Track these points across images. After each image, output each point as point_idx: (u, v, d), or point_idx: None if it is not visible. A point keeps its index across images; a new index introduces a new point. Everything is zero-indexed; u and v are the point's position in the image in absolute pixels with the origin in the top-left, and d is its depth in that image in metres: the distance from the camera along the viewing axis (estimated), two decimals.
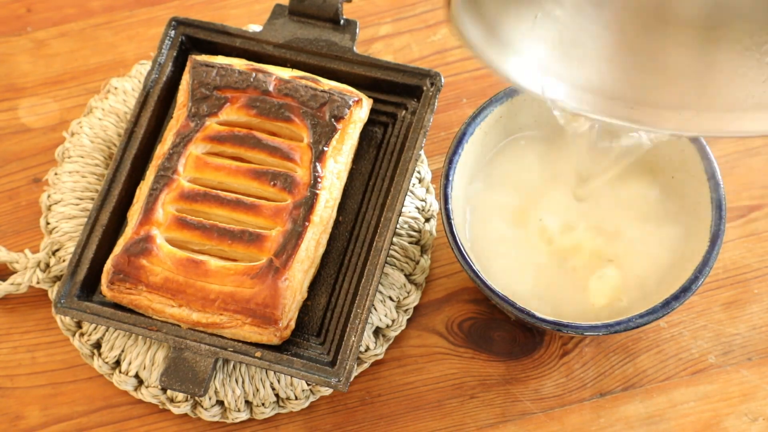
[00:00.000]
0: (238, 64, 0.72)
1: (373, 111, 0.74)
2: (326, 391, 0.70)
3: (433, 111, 0.71)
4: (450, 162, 0.67)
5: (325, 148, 0.69)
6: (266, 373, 0.69)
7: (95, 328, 0.71)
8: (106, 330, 0.71)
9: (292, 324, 0.67)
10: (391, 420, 0.70)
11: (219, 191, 0.69)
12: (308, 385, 0.69)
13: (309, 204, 0.68)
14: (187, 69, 0.72)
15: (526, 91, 0.54)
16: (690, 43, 0.51)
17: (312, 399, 0.70)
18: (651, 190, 0.70)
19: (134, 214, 0.69)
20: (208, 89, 0.71)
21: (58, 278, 0.72)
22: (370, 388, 0.71)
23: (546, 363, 0.71)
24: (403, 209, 0.73)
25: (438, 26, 0.83)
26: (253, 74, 0.71)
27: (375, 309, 0.71)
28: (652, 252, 0.68)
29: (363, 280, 0.67)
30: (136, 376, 0.70)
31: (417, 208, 0.74)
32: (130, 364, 0.70)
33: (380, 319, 0.71)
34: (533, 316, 0.62)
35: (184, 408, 0.69)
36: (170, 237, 0.68)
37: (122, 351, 0.70)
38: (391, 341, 0.72)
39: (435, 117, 0.79)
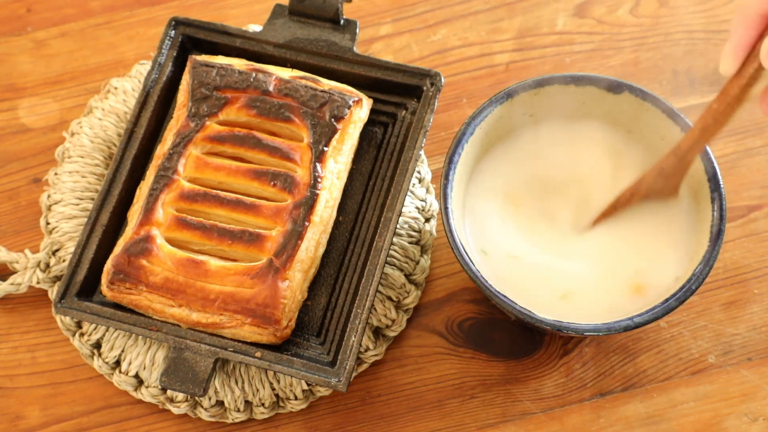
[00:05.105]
0: (238, 64, 0.72)
1: (373, 111, 0.74)
2: (326, 391, 0.70)
3: (433, 111, 0.71)
4: (450, 162, 0.66)
5: (325, 148, 0.69)
6: (266, 373, 0.69)
7: (95, 328, 0.71)
8: (106, 330, 0.71)
9: (292, 324, 0.67)
10: (391, 420, 0.70)
11: (219, 191, 0.69)
12: (308, 385, 0.69)
13: (309, 204, 0.68)
14: (187, 69, 0.72)
15: None
16: None
17: (312, 399, 0.70)
18: None
19: (134, 214, 0.69)
20: (208, 89, 0.71)
21: (58, 278, 0.72)
22: (370, 388, 0.71)
23: (546, 363, 0.71)
24: (403, 209, 0.73)
25: (438, 26, 0.83)
26: (253, 74, 0.71)
27: (375, 309, 0.71)
28: (652, 252, 0.68)
29: (363, 280, 0.67)
30: (136, 376, 0.70)
31: (417, 208, 0.74)
32: (130, 364, 0.70)
33: (380, 319, 0.71)
34: (533, 316, 0.62)
35: (184, 408, 0.69)
36: (170, 237, 0.68)
37: (122, 351, 0.70)
38: (391, 341, 0.71)
39: (435, 117, 0.79)
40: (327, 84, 0.72)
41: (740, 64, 0.56)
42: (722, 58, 0.56)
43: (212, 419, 0.69)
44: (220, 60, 0.73)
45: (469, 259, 0.64)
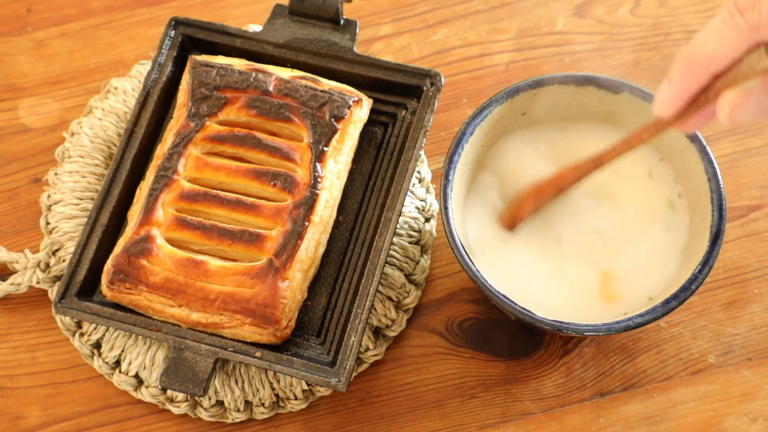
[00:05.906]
0: (238, 64, 0.72)
1: (373, 111, 0.74)
2: (326, 391, 0.70)
3: (433, 111, 0.71)
4: (450, 162, 0.67)
5: (325, 148, 0.69)
6: (266, 373, 0.69)
7: (95, 328, 0.71)
8: (106, 330, 0.71)
9: (292, 324, 0.67)
10: (391, 420, 0.70)
11: (219, 191, 0.69)
12: (308, 385, 0.69)
13: (309, 204, 0.68)
14: (187, 69, 0.73)
15: None
16: None
17: (312, 399, 0.70)
18: (651, 190, 0.70)
19: (134, 214, 0.69)
20: (208, 89, 0.71)
21: (58, 278, 0.72)
22: (370, 388, 0.71)
23: (546, 363, 0.71)
24: (403, 209, 0.73)
25: (438, 26, 0.83)
26: (253, 74, 0.71)
27: (375, 309, 0.71)
28: (652, 252, 0.68)
29: (363, 280, 0.67)
30: (136, 376, 0.70)
31: (417, 208, 0.74)
32: (130, 364, 0.70)
33: (380, 319, 0.71)
34: (533, 316, 0.62)
35: (184, 408, 0.69)
36: (170, 237, 0.68)
37: (122, 351, 0.70)
38: (391, 341, 0.72)
39: (435, 117, 0.79)
40: (327, 84, 0.72)
41: (678, 112, 0.54)
42: (658, 101, 0.54)
43: (212, 419, 0.69)
44: (220, 60, 0.73)
45: (469, 259, 0.64)
